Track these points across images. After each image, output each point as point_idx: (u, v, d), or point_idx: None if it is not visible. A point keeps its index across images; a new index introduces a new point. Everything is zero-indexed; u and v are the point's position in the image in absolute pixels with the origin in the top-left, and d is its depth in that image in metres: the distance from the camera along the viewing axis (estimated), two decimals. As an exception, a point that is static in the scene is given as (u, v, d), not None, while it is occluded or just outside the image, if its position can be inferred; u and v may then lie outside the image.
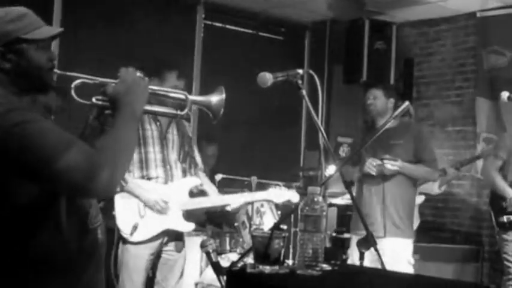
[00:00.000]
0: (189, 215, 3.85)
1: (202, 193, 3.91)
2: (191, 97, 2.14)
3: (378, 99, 4.44)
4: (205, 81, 6.53)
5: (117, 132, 1.90)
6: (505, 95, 4.65)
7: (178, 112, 2.17)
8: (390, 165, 4.24)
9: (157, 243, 3.72)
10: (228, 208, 3.98)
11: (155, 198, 3.66)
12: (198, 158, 4.01)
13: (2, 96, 1.85)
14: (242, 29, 7.03)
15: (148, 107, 2.11)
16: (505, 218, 4.67)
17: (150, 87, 2.08)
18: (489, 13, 6.33)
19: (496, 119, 6.21)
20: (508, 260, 4.72)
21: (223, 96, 2.18)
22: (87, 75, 2.03)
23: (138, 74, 2.03)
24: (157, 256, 3.77)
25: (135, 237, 3.63)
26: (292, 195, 4.11)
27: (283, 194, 4.11)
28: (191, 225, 3.79)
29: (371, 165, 4.29)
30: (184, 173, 3.87)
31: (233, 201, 3.94)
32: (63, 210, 1.90)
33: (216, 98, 2.18)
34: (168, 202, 3.70)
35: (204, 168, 5.82)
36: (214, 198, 3.92)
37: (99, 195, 1.99)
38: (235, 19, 6.93)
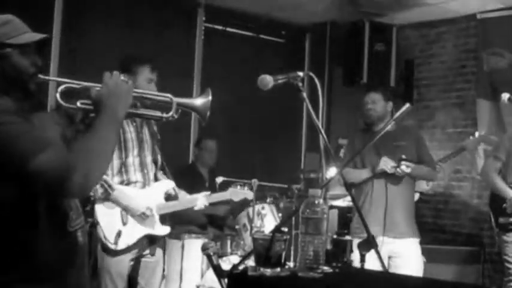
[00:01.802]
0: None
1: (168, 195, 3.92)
2: (176, 99, 2.15)
3: (377, 103, 4.40)
4: (205, 84, 6.52)
5: (95, 134, 1.93)
6: (505, 96, 4.65)
7: (164, 115, 2.17)
8: (405, 166, 4.22)
9: (137, 248, 3.68)
10: (196, 208, 4.02)
11: (143, 209, 3.64)
12: (160, 157, 3.92)
13: None
14: (243, 32, 7.03)
15: (133, 110, 2.13)
16: (507, 219, 4.66)
17: (135, 90, 2.10)
18: (489, 15, 6.34)
19: (497, 120, 6.22)
20: (508, 262, 4.70)
21: (209, 98, 2.19)
22: (71, 80, 2.05)
23: (122, 77, 2.05)
24: (137, 261, 3.73)
25: (120, 245, 3.59)
26: (247, 194, 4.67)
27: (240, 192, 4.61)
28: (167, 229, 3.78)
29: (387, 163, 4.27)
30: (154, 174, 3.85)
31: (197, 201, 3.99)
32: (42, 212, 1.93)
33: (201, 100, 2.19)
34: (152, 208, 3.69)
35: (206, 165, 5.79)
36: (184, 201, 3.94)
37: (73, 196, 2.02)
38: (236, 22, 6.93)
